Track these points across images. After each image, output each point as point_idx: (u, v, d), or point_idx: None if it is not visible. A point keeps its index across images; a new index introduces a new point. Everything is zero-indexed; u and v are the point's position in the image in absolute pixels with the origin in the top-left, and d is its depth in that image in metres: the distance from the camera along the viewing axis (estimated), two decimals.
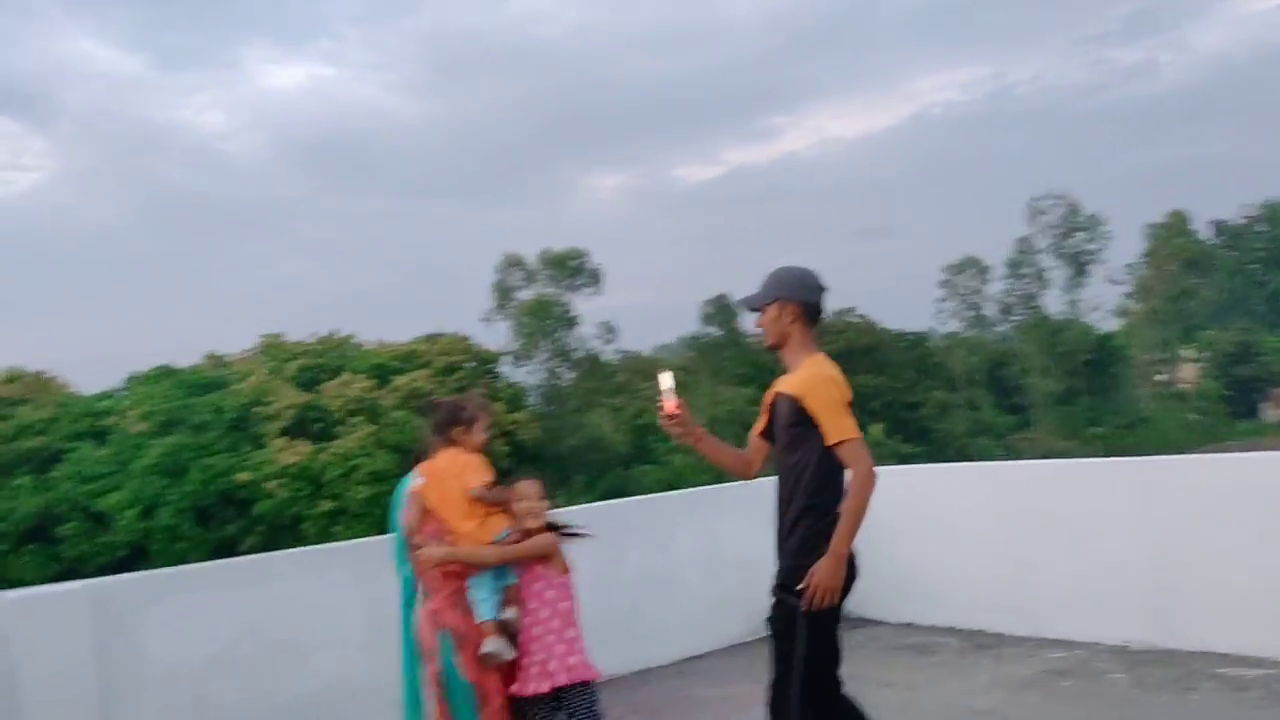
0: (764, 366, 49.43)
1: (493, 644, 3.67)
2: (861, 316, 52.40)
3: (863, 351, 48.05)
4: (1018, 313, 53.33)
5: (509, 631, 3.74)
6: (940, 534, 7.10)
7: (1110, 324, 55.42)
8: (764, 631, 7.15)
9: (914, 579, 7.20)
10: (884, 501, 7.45)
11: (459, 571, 3.71)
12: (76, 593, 4.96)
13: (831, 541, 3.32)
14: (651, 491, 11.88)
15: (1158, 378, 54.41)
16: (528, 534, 3.82)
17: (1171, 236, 52.43)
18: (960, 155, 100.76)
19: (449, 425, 3.93)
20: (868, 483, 3.36)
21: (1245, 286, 63.07)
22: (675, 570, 7.01)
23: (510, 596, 3.76)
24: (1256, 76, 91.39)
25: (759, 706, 5.62)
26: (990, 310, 53.87)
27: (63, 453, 35.38)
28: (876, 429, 43.34)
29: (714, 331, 49.78)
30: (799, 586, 3.35)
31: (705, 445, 3.74)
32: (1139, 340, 52.62)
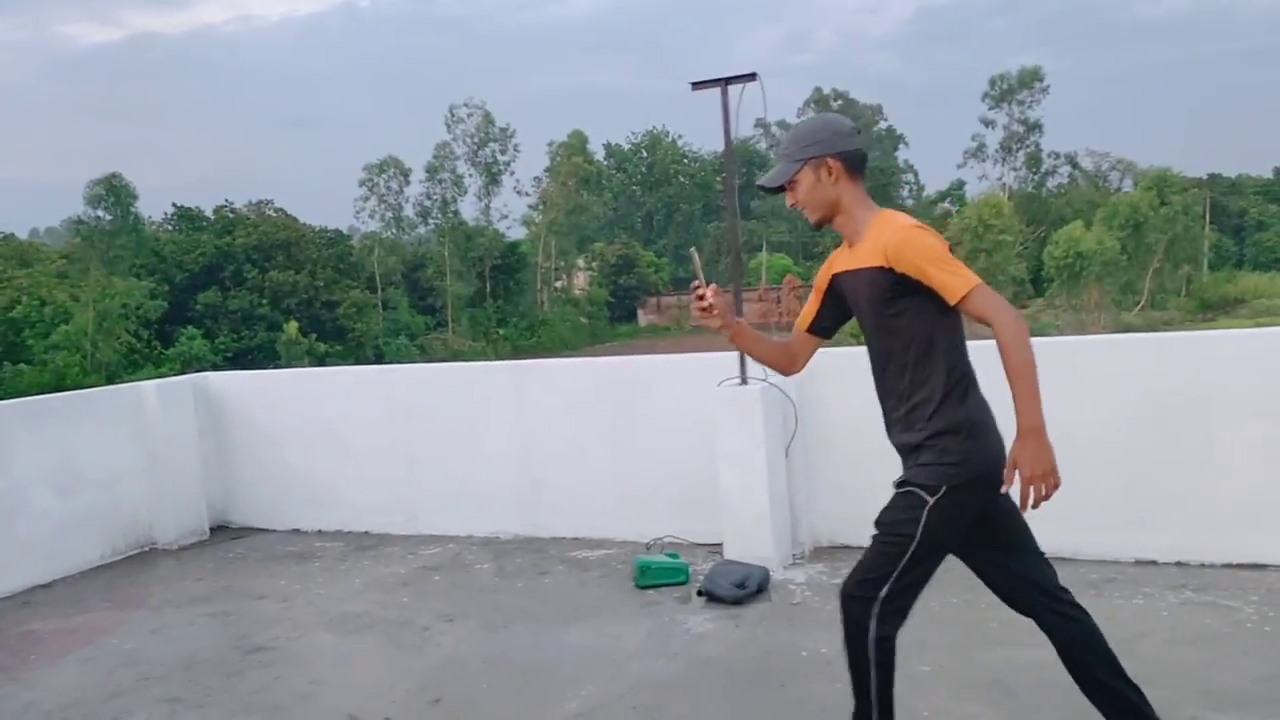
0: (165, 257, 45.14)
1: None
2: (280, 210, 50.22)
3: (280, 246, 46.10)
4: (435, 216, 54.94)
5: None
6: (328, 439, 6.97)
7: (517, 232, 59.54)
8: (126, 550, 6.62)
9: (301, 485, 7.03)
10: (267, 408, 7.20)
11: None
12: None
13: (1019, 418, 2.58)
14: (30, 394, 10.21)
15: (556, 284, 59.77)
16: None
17: (571, 155, 57.38)
18: (386, 54, 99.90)
19: None
20: (1020, 330, 2.59)
21: (628, 205, 71.50)
22: (17, 491, 6.05)
23: None
24: (650, 18, 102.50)
25: (107, 636, 5.12)
26: (409, 212, 54.81)
27: None
28: (291, 327, 42.10)
29: (104, 216, 44.26)
30: (1005, 488, 2.65)
31: (744, 338, 3.06)
32: (541, 249, 57.12)
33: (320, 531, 6.91)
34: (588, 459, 6.22)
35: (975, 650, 4.06)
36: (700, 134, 73.28)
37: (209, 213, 48.64)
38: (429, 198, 54.70)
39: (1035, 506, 2.60)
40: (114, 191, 43.91)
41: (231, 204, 49.56)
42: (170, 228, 48.43)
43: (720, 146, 5.75)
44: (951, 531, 2.76)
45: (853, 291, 2.92)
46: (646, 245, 66.37)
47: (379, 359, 41.87)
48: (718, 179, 65.46)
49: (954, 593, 4.32)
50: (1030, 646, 3.19)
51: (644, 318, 61.16)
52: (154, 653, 4.79)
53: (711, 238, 57.98)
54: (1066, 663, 2.86)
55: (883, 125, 68.63)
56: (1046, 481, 2.57)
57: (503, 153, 55.70)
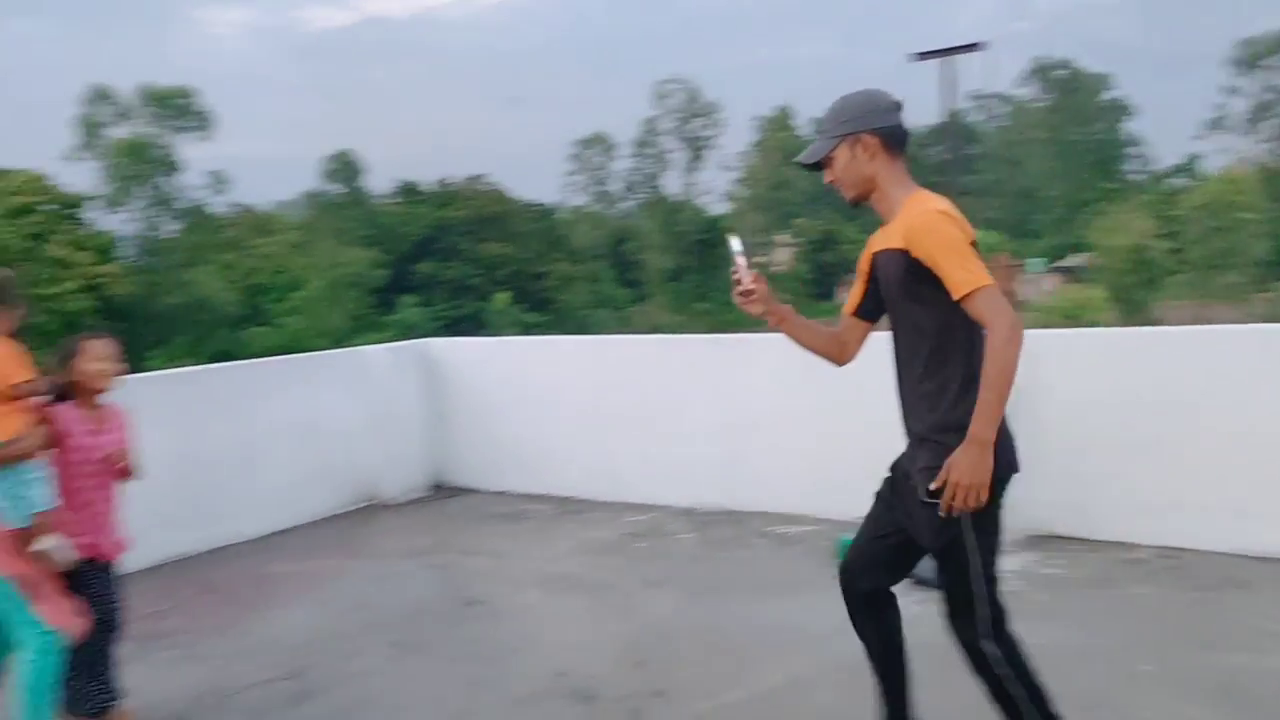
0: (388, 229, 48.03)
1: (50, 540, 3.20)
2: (492, 184, 52.28)
3: (493, 220, 48.05)
4: (640, 191, 55.73)
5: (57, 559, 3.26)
6: (539, 405, 7.22)
7: (719, 207, 59.60)
8: (354, 502, 7.10)
9: (513, 449, 7.31)
10: (483, 374, 7.52)
11: None
12: None
13: (972, 424, 2.52)
14: (267, 355, 11.12)
15: (757, 259, 59.54)
16: (93, 393, 3.48)
17: (776, 130, 56.85)
18: (597, 32, 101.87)
19: None
20: (1010, 342, 2.49)
21: None
22: (262, 442, 6.58)
23: (43, 525, 3.24)
24: None
25: (340, 579, 5.52)
26: (615, 187, 55.83)
27: None
28: (503, 298, 43.82)
29: (337, 189, 47.34)
30: (933, 486, 2.59)
31: (789, 324, 3.00)
32: (744, 225, 56.98)
33: (529, 494, 7.19)
34: (790, 435, 6.19)
35: (1202, 652, 3.79)
36: (914, 107, 70.89)
37: (428, 187, 51.23)
38: (635, 172, 55.53)
39: (949, 512, 2.57)
40: (345, 167, 46.94)
41: (449, 179, 51.97)
42: (393, 201, 51.30)
43: (931, 119, 5.53)
44: (994, 526, 2.72)
45: (881, 272, 2.81)
46: (849, 222, 65.09)
47: (583, 330, 43.03)
48: (926, 152, 63.31)
49: (1181, 590, 4.06)
50: (1267, 652, 2.95)
51: (843, 295, 60.03)
52: (380, 599, 5.13)
53: None
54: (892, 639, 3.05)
55: (1110, 95, 64.35)
56: (971, 493, 2.53)
57: (708, 128, 55.83)
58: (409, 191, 51.34)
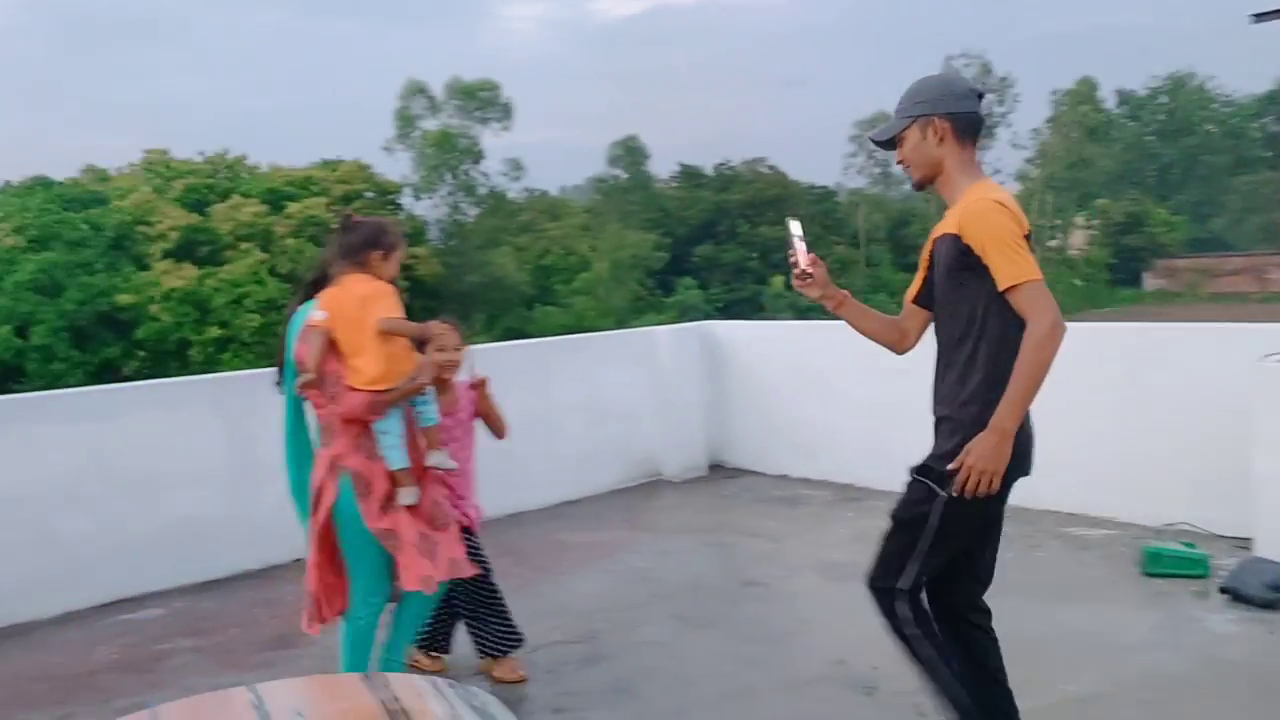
0: (670, 212, 49.23)
1: (410, 494, 3.38)
2: (772, 167, 52.24)
3: (770, 202, 48.04)
4: None
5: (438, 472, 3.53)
6: (818, 389, 7.17)
7: (1011, 188, 56.43)
8: (637, 478, 7.35)
9: (791, 432, 7.32)
10: (763, 356, 7.55)
11: (363, 415, 3.30)
12: None
13: (997, 412, 2.57)
14: (554, 333, 11.75)
15: (1050, 243, 55.96)
16: (443, 383, 3.72)
17: (1077, 104, 53.01)
18: (883, 8, 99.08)
19: (366, 247, 3.36)
20: (1049, 339, 2.53)
21: (1140, 158, 64.59)
22: (555, 416, 6.96)
23: (433, 438, 3.49)
24: None
25: (626, 551, 5.75)
26: (897, 168, 54.17)
27: None
28: (777, 281, 43.81)
29: (621, 174, 48.99)
30: (950, 466, 2.64)
31: (848, 310, 3.04)
32: (1035, 205, 53.72)
33: (807, 479, 7.16)
34: (1089, 430, 5.78)
35: None
36: (1238, 75, 64.01)
37: (709, 170, 51.96)
38: None
39: (961, 492, 2.62)
40: (630, 152, 48.48)
41: (729, 162, 52.46)
42: (674, 185, 52.46)
43: (1263, 88, 4.96)
44: (967, 526, 2.77)
45: (936, 257, 2.80)
46: (1160, 201, 59.77)
47: None
48: (1254, 126, 57.04)
49: None
50: None
51: (1150, 281, 55.23)
52: (663, 572, 5.30)
53: (1240, 193, 50.70)
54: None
55: None
56: (984, 479, 2.59)
57: (999, 104, 52.97)
58: (690, 175, 52.31)
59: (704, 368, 7.63)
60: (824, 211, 49.82)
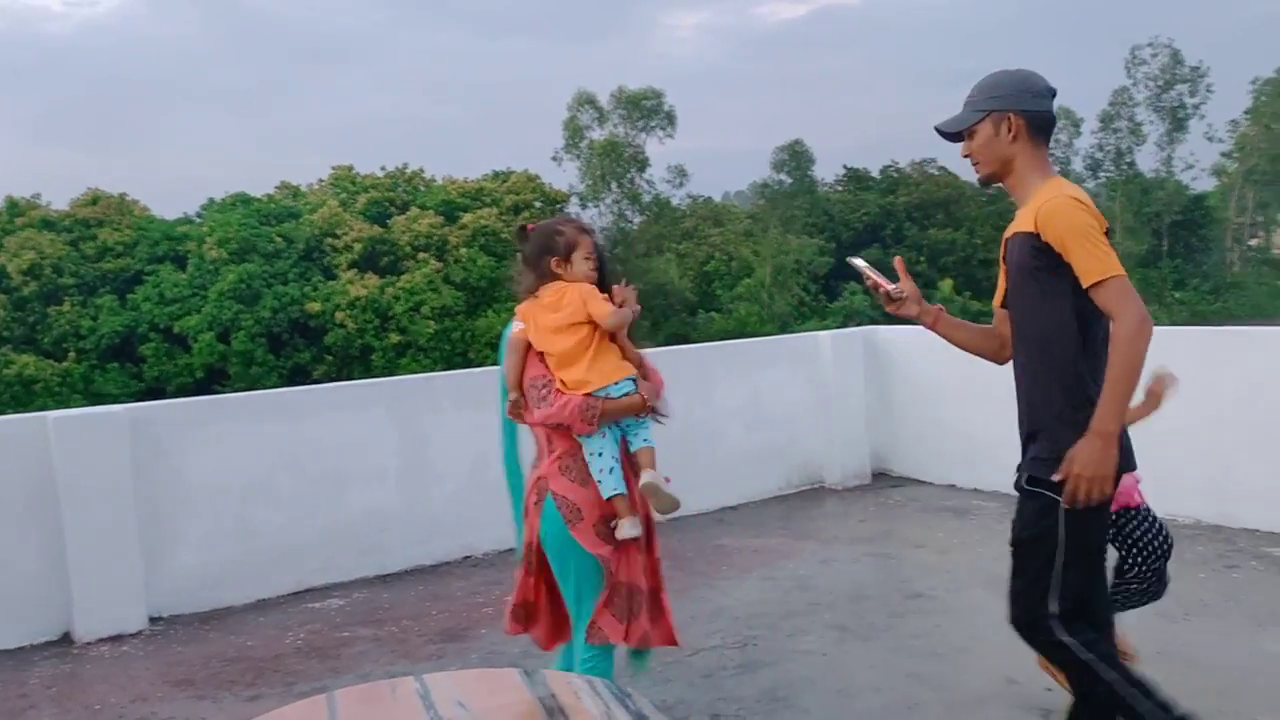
0: (834, 216, 48.48)
1: (631, 527, 3.00)
2: (942, 168, 50.74)
3: (939, 204, 46.72)
4: (1106, 168, 51.13)
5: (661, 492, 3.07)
6: (986, 397, 6.89)
7: (1204, 184, 52.96)
8: (798, 485, 7.27)
9: (958, 441, 7.08)
10: (929, 362, 7.35)
11: (571, 421, 2.99)
12: (117, 416, 5.08)
13: (1096, 416, 2.49)
14: (716, 339, 11.80)
15: (1251, 241, 52.17)
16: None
17: (1279, 93, 49.26)
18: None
19: (542, 254, 3.18)
20: (1139, 335, 2.46)
21: None
22: (716, 422, 6.97)
23: (646, 459, 3.12)
24: None
25: (784, 560, 5.70)
26: (1077, 165, 51.71)
27: (143, 274, 36.37)
28: (946, 284, 42.51)
29: (785, 179, 48.60)
30: (1055, 477, 2.56)
31: (943, 325, 2.99)
32: (1234, 202, 50.21)
33: (976, 490, 6.91)
34: None
35: None
36: None
37: (875, 173, 50.93)
38: (1100, 149, 51.05)
39: (1072, 503, 2.53)
40: (795, 156, 48.04)
41: (896, 164, 51.30)
42: (840, 188, 51.65)
43: None
44: (1097, 528, 2.66)
45: (1011, 257, 2.74)
46: None
47: None
48: None
49: None
50: None
51: None
52: (824, 581, 5.22)
53: None
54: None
55: None
56: (1094, 485, 2.50)
57: (1192, 94, 49.81)
58: (856, 178, 51.41)
59: (868, 373, 7.48)
60: (997, 213, 47.99)
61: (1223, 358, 5.76)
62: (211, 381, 33.51)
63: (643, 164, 46.41)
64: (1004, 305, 2.91)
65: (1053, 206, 2.57)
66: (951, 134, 2.83)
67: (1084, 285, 2.52)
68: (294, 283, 36.21)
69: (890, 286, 2.92)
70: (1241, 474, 5.61)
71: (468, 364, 32.39)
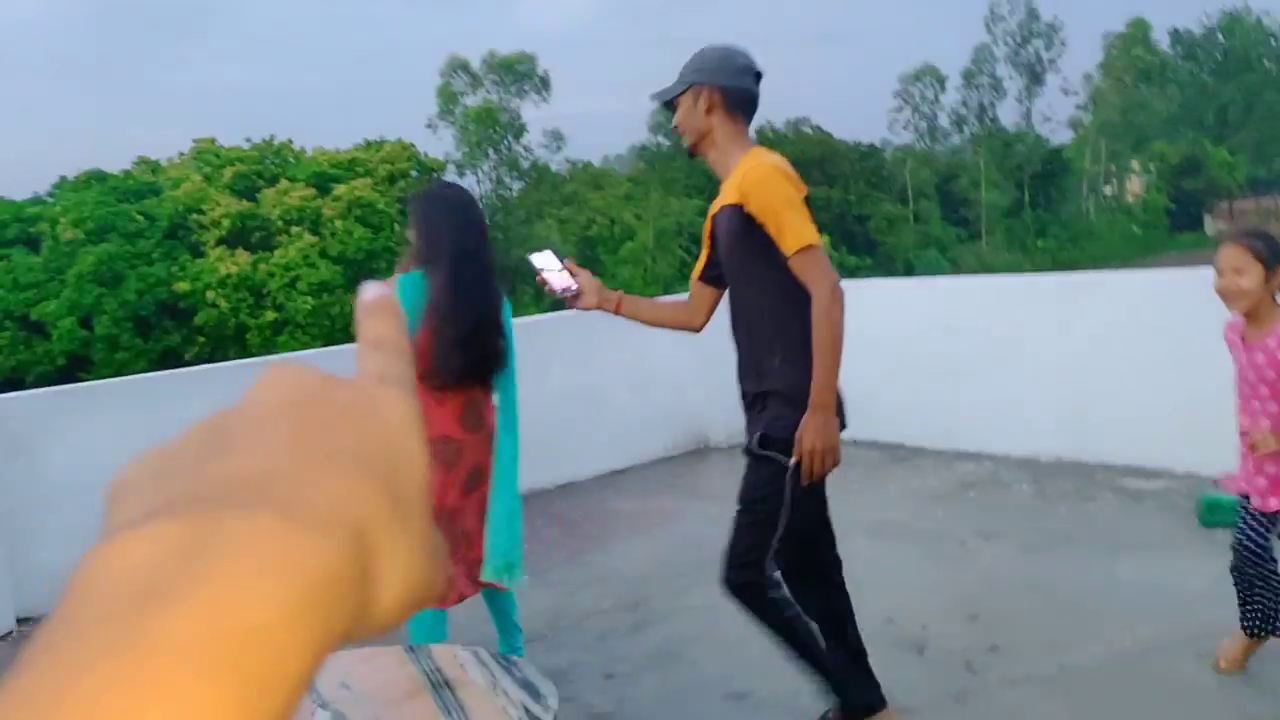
0: (714, 177, 48.89)
1: None
2: (815, 126, 51.63)
3: (814, 162, 47.50)
4: (971, 124, 52.84)
5: None
6: (866, 349, 7.08)
7: (1061, 136, 55.25)
8: (685, 446, 7.36)
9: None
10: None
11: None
12: None
13: (812, 392, 2.56)
14: None
15: (1105, 191, 54.74)
16: None
17: (1129, 47, 51.59)
18: None
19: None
20: (834, 305, 2.56)
21: (1197, 98, 62.70)
22: (600, 387, 6.99)
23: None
24: None
25: (674, 518, 5.78)
26: (943, 122, 53.30)
27: None
28: (824, 241, 43.44)
29: (664, 142, 48.75)
30: (792, 462, 2.64)
31: (627, 308, 3.02)
32: (1089, 153, 52.53)
33: (856, 440, 7.11)
34: (1146, 382, 5.68)
35: None
36: None
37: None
38: (964, 105, 52.71)
39: (810, 480, 2.61)
40: (672, 119, 48.16)
41: (771, 123, 51.91)
42: None
43: None
44: (820, 493, 2.79)
45: (720, 230, 2.78)
46: (1218, 142, 58.09)
47: (909, 272, 41.75)
48: None
49: None
50: None
51: (1212, 225, 53.85)
52: (711, 538, 5.26)
53: None
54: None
55: None
56: (826, 457, 2.61)
57: (1047, 49, 51.80)
58: None
59: None
60: (870, 169, 49.18)
61: (1080, 302, 6.05)
62: (74, 369, 31.97)
63: (519, 130, 45.92)
64: (702, 279, 3.03)
65: (755, 176, 2.65)
66: (667, 105, 2.91)
67: (785, 253, 2.61)
68: (159, 262, 34.70)
69: (560, 287, 2.91)
70: (1098, 412, 5.92)
71: (349, 340, 31.68)
